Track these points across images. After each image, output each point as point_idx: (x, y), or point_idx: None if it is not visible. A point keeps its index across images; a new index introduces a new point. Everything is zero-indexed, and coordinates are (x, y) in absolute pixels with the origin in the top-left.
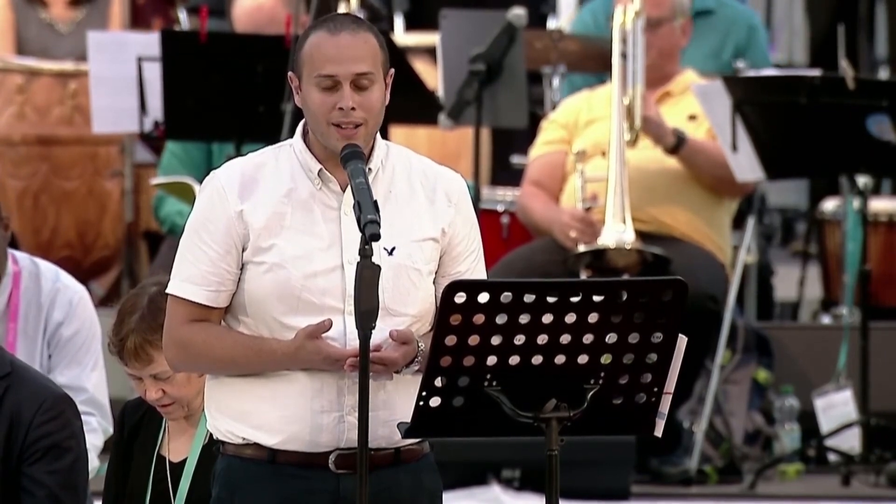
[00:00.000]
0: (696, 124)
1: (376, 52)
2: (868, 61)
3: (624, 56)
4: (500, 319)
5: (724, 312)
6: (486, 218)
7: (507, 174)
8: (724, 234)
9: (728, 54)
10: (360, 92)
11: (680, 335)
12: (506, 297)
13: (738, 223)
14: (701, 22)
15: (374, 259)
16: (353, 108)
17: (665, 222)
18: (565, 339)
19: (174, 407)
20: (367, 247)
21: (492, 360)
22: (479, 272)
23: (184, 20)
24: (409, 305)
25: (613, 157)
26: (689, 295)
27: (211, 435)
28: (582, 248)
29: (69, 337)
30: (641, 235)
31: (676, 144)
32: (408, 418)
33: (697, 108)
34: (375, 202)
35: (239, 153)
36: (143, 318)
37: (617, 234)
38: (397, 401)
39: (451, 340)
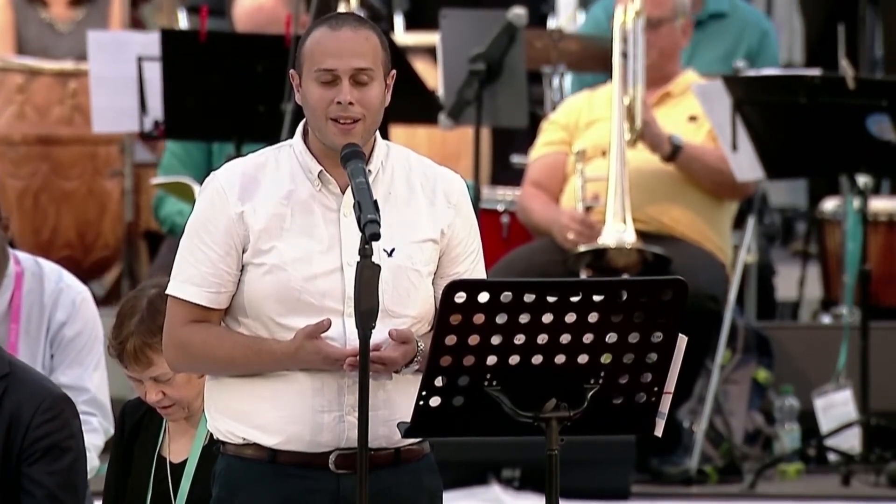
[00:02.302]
0: (696, 125)
1: (377, 49)
2: (868, 61)
3: (625, 56)
4: (500, 319)
5: (724, 312)
6: (486, 218)
7: (507, 174)
8: (725, 234)
9: (739, 58)
10: (359, 87)
11: (680, 335)
12: (506, 296)
13: (739, 223)
14: (714, 25)
15: (374, 260)
16: (350, 103)
17: (665, 222)
18: (565, 338)
19: (174, 409)
20: (367, 246)
21: (492, 359)
22: (478, 273)
23: (184, 20)
24: (408, 307)
25: (614, 157)
26: (690, 295)
27: (211, 435)
28: (582, 248)
29: (72, 337)
30: (642, 235)
31: (672, 152)
32: (408, 418)
33: (698, 108)
34: (375, 202)
35: (239, 153)
36: (142, 320)
37: (617, 233)
38: (397, 400)
39: (451, 340)
